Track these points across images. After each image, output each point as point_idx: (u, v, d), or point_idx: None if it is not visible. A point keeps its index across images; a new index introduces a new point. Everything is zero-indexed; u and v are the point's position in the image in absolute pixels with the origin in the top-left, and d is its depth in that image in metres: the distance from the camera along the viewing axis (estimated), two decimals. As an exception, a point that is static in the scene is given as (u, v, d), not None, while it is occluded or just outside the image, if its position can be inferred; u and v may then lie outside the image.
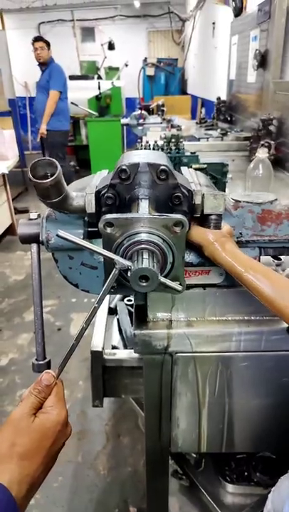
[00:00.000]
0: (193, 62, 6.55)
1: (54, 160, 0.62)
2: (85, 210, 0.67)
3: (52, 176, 0.62)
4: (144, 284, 0.51)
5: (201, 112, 5.63)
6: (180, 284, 0.61)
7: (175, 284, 0.59)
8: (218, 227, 0.70)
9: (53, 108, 4.48)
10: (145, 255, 0.52)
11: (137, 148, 1.38)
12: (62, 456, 1.82)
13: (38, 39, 4.49)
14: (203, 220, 0.70)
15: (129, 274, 0.52)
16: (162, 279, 0.54)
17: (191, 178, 0.77)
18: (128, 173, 0.59)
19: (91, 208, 0.65)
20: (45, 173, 0.64)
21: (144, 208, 0.56)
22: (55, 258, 0.81)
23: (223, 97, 3.66)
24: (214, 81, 4.66)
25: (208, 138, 2.61)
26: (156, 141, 1.46)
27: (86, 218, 0.72)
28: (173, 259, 0.58)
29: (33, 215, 0.80)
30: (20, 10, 5.77)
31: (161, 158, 0.63)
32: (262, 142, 2.22)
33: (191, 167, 1.47)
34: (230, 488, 1.34)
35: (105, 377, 1.04)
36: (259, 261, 0.80)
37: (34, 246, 0.80)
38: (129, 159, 0.62)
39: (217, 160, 1.61)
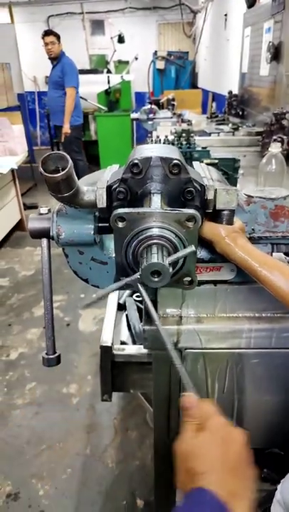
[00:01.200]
0: (204, 55, 6.46)
1: (65, 154, 0.62)
2: (96, 204, 0.67)
3: (63, 170, 0.62)
4: (156, 279, 0.51)
5: (212, 106, 5.56)
6: (192, 280, 0.61)
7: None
8: (230, 222, 0.69)
9: (73, 106, 4.48)
10: (156, 250, 0.52)
11: (148, 143, 1.37)
12: (71, 448, 1.86)
13: (48, 33, 4.45)
14: (216, 216, 0.69)
15: (139, 270, 0.51)
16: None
17: (203, 173, 0.76)
18: (140, 167, 0.58)
19: (102, 203, 0.65)
20: (56, 167, 0.63)
21: (156, 202, 0.55)
22: (66, 253, 0.81)
23: (235, 91, 3.61)
24: (226, 74, 4.60)
25: (219, 133, 2.58)
26: (166, 136, 1.44)
27: (97, 213, 0.72)
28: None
29: (43, 210, 0.80)
30: (29, 3, 5.74)
31: (173, 153, 0.62)
32: (274, 137, 2.19)
33: (202, 162, 1.46)
34: (238, 484, 1.33)
35: (114, 372, 1.04)
36: (271, 257, 0.79)
37: (44, 241, 0.80)
38: (142, 153, 0.61)
39: (228, 155, 1.59)
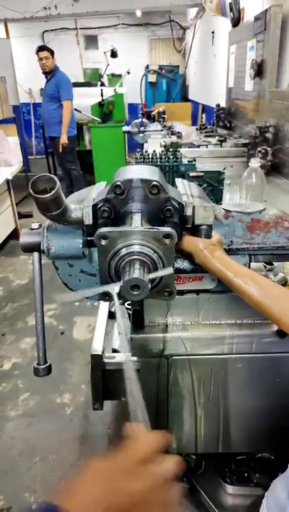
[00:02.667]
0: (194, 69, 6.62)
1: (53, 176, 0.67)
2: (83, 221, 0.72)
3: (51, 190, 0.67)
4: (136, 292, 0.55)
5: (202, 118, 5.69)
6: (170, 291, 0.65)
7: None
8: (208, 236, 0.74)
9: (70, 118, 4.62)
10: (136, 266, 0.56)
11: (136, 157, 1.43)
12: (65, 460, 1.87)
13: (42, 48, 4.58)
14: (195, 230, 0.74)
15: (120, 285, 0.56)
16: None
17: (183, 189, 0.82)
18: (122, 188, 0.64)
19: (88, 220, 0.70)
20: (45, 188, 0.68)
21: (136, 221, 0.60)
22: (56, 266, 0.86)
23: (223, 104, 3.72)
24: (214, 88, 4.72)
25: (207, 145, 2.66)
26: (154, 151, 1.50)
27: (85, 228, 0.77)
28: (163, 268, 0.62)
29: (34, 225, 0.85)
30: (24, 19, 5.86)
31: (154, 174, 0.67)
32: (259, 149, 2.27)
33: (188, 175, 1.52)
34: (230, 489, 1.36)
35: (105, 380, 1.08)
36: (249, 267, 0.84)
37: (36, 254, 0.85)
38: (124, 175, 0.66)
39: (214, 168, 1.65)
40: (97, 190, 0.80)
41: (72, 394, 2.19)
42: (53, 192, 0.65)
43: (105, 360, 1.04)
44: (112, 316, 1.52)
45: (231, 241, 0.82)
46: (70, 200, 0.81)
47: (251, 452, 1.32)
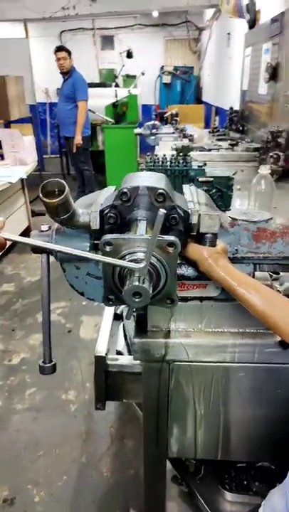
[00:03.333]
0: (208, 70, 6.60)
1: (62, 181, 0.69)
2: (90, 226, 0.73)
3: (60, 195, 0.68)
4: (138, 299, 0.56)
5: (215, 120, 5.67)
6: (172, 299, 0.66)
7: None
8: (213, 244, 0.75)
9: (85, 118, 4.68)
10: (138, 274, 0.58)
11: (146, 161, 1.45)
12: (68, 455, 1.90)
13: (60, 49, 4.64)
14: (200, 238, 0.75)
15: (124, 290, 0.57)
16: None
17: (190, 197, 0.82)
18: (128, 195, 0.65)
19: (95, 225, 0.71)
20: (54, 192, 0.70)
21: (141, 229, 0.62)
22: (63, 268, 0.87)
23: (236, 107, 3.70)
24: (228, 90, 4.70)
25: (218, 149, 2.65)
26: (164, 155, 1.51)
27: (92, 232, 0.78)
28: (166, 276, 0.63)
29: (44, 227, 0.86)
30: (43, 19, 5.93)
31: (160, 181, 0.69)
32: (271, 154, 2.26)
33: (198, 180, 1.53)
34: (228, 496, 1.36)
35: (108, 381, 1.09)
36: (253, 276, 0.84)
37: (44, 256, 0.87)
38: (131, 182, 0.67)
39: (224, 172, 1.65)
40: (106, 195, 0.81)
41: (77, 391, 2.22)
42: (62, 196, 0.67)
43: (108, 362, 1.05)
44: (117, 317, 1.54)
45: (236, 249, 0.82)
46: (79, 204, 0.83)
47: (248, 461, 1.32)
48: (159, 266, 0.60)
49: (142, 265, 0.55)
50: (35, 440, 1.94)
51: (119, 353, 1.35)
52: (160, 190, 0.64)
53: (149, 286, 0.57)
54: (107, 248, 0.61)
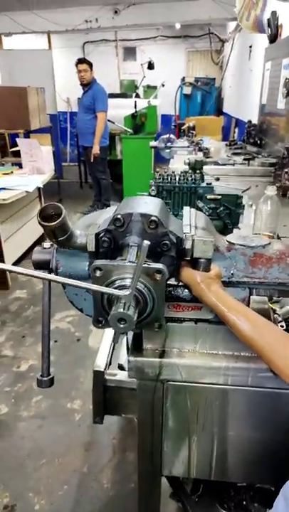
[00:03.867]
0: (229, 82, 6.62)
1: (60, 205, 0.71)
2: (86, 247, 0.76)
3: (58, 218, 0.71)
4: (122, 325, 0.58)
5: (234, 132, 5.67)
6: (160, 324, 0.68)
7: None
8: (207, 269, 0.76)
9: (103, 129, 4.79)
10: (123, 300, 0.59)
11: (155, 179, 1.47)
12: (70, 465, 1.91)
13: (81, 61, 4.76)
14: (194, 263, 0.76)
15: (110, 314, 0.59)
16: None
17: (188, 220, 0.84)
18: (122, 221, 0.67)
19: (92, 247, 0.74)
20: (52, 215, 0.73)
21: (132, 255, 0.63)
22: (63, 285, 0.90)
23: (255, 120, 3.70)
24: (248, 103, 4.70)
25: (233, 163, 2.65)
26: (173, 172, 1.53)
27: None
28: (153, 302, 0.64)
29: (46, 244, 0.90)
30: (66, 31, 6.11)
31: (155, 208, 0.70)
32: (286, 170, 2.25)
33: (206, 197, 1.54)
34: (226, 516, 1.34)
35: (106, 396, 1.11)
36: (249, 301, 0.85)
37: (46, 271, 0.90)
38: (126, 208, 0.69)
39: (235, 190, 1.66)
40: (105, 217, 0.84)
41: (83, 400, 2.24)
42: (58, 220, 0.70)
43: (107, 377, 1.07)
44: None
45: (232, 273, 0.83)
46: (79, 223, 0.86)
47: (244, 483, 1.30)
48: (146, 292, 0.62)
49: (126, 292, 0.57)
50: (39, 448, 1.96)
51: (120, 366, 1.37)
52: (152, 218, 0.66)
53: (134, 312, 0.59)
54: (97, 273, 0.63)
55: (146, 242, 0.55)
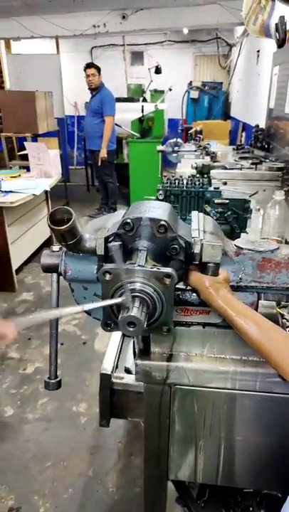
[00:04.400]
0: (237, 86, 6.62)
1: (70, 208, 0.72)
2: (96, 251, 0.76)
3: (68, 222, 0.72)
4: (131, 329, 0.58)
5: (241, 136, 5.67)
6: (169, 328, 0.68)
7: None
8: (215, 274, 0.76)
9: (110, 133, 4.84)
10: (135, 304, 0.60)
11: (163, 182, 1.48)
12: (75, 468, 1.91)
13: (89, 66, 4.81)
14: (202, 267, 0.76)
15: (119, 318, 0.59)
16: None
17: (196, 225, 0.84)
18: (131, 225, 0.67)
19: (101, 251, 0.74)
20: (62, 219, 0.74)
21: (141, 259, 0.64)
22: (72, 288, 0.91)
23: (262, 125, 3.69)
24: (255, 107, 4.70)
25: (240, 168, 2.65)
26: (181, 176, 1.54)
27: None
28: (162, 306, 0.65)
29: (55, 248, 0.90)
30: (74, 36, 6.17)
31: (164, 213, 0.71)
32: (293, 174, 2.24)
33: (214, 202, 1.54)
34: (233, 522, 1.33)
35: (113, 399, 1.11)
36: (257, 305, 0.85)
37: (54, 275, 0.91)
38: (135, 212, 0.70)
39: (242, 194, 1.66)
40: (114, 221, 0.84)
41: (88, 404, 2.24)
42: (68, 224, 0.70)
43: (114, 380, 1.07)
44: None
45: (240, 278, 0.83)
46: (87, 227, 0.86)
47: (250, 489, 1.29)
48: (156, 296, 0.62)
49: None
50: (45, 451, 1.96)
51: (127, 370, 1.37)
52: (162, 222, 0.67)
53: (144, 316, 0.59)
54: (107, 277, 0.63)
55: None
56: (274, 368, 0.68)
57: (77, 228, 0.74)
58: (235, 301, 0.73)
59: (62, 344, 2.73)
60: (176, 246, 0.68)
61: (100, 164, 4.94)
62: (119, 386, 1.09)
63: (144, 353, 0.90)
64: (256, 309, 0.84)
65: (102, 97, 4.81)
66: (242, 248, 0.84)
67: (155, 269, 0.62)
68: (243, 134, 5.51)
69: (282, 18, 3.19)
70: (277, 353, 0.67)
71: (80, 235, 0.75)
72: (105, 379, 1.08)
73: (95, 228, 0.84)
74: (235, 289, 0.82)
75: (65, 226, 0.70)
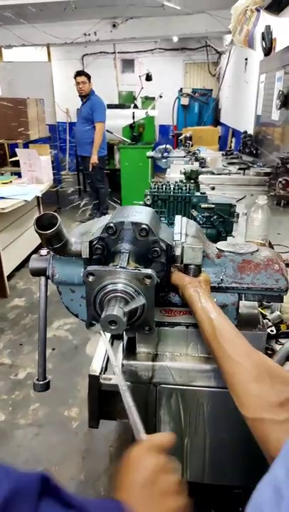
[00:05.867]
0: (226, 93, 6.73)
1: (56, 214, 0.75)
2: (81, 254, 0.79)
3: (53, 226, 0.75)
4: (113, 327, 0.61)
5: (231, 142, 5.75)
6: (150, 328, 0.71)
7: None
8: (196, 275, 0.79)
9: (101, 139, 4.88)
10: (115, 303, 0.62)
11: (150, 188, 1.51)
12: (66, 472, 1.91)
13: (80, 73, 4.87)
14: (184, 269, 0.79)
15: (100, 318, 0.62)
16: None
17: (179, 228, 0.87)
18: (114, 229, 0.70)
19: (86, 254, 0.77)
20: (49, 223, 0.76)
21: (123, 260, 0.67)
22: (59, 290, 0.93)
23: (250, 131, 3.77)
24: (244, 114, 4.79)
25: (228, 173, 2.71)
26: (168, 182, 1.57)
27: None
28: (143, 306, 0.67)
29: (43, 252, 0.93)
30: (65, 44, 6.24)
31: (146, 217, 0.74)
32: (280, 179, 2.30)
33: (200, 207, 1.58)
34: (222, 522, 1.35)
35: (102, 400, 1.13)
36: (238, 306, 0.88)
37: (42, 278, 0.93)
38: (118, 216, 0.73)
39: (226, 200, 1.70)
40: (100, 225, 0.87)
41: (80, 408, 2.25)
42: (54, 228, 0.73)
43: (102, 381, 1.09)
44: (118, 337, 1.57)
45: (222, 279, 0.86)
46: (74, 232, 0.89)
47: (247, 487, 1.32)
48: (136, 296, 0.65)
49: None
50: (36, 456, 1.97)
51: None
52: (143, 226, 0.70)
53: (124, 315, 0.62)
54: (90, 278, 0.66)
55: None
56: (218, 367, 0.69)
57: (63, 233, 0.77)
58: (206, 297, 0.75)
59: (53, 349, 2.74)
60: (157, 248, 0.71)
61: (91, 170, 4.98)
62: (107, 387, 1.11)
63: (129, 353, 0.93)
64: (237, 309, 0.87)
65: (92, 103, 4.87)
66: (223, 251, 0.88)
67: (136, 271, 0.65)
68: (233, 140, 5.60)
69: (268, 27, 3.28)
70: (222, 355, 0.66)
71: (66, 239, 0.77)
72: (94, 380, 1.10)
73: (81, 232, 0.87)
74: (217, 289, 0.85)
75: (50, 231, 0.72)
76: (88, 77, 4.83)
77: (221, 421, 0.95)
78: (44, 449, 2.00)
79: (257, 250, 0.89)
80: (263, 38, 3.44)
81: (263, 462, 1.00)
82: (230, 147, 5.14)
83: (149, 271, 0.65)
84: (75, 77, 4.82)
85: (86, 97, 4.89)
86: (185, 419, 0.95)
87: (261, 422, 0.58)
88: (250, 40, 3.02)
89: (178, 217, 0.96)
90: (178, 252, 0.76)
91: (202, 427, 0.95)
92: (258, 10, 2.81)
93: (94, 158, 4.86)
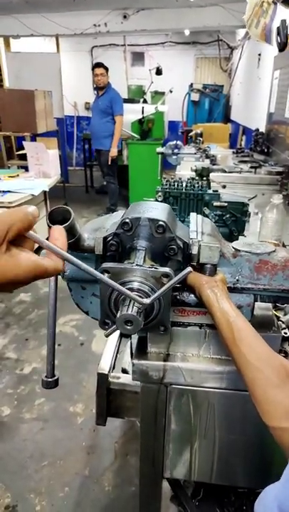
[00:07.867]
0: (238, 89, 6.65)
1: (69, 208, 0.73)
2: (94, 250, 0.77)
3: (67, 221, 0.72)
4: (129, 327, 0.59)
5: (241, 140, 5.69)
6: (166, 328, 0.69)
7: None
8: (212, 275, 0.77)
9: (120, 132, 4.90)
10: (129, 302, 0.60)
11: (162, 184, 1.49)
12: (71, 467, 1.92)
13: (99, 65, 4.86)
14: (200, 268, 0.77)
15: (117, 316, 0.60)
16: None
17: (194, 226, 0.85)
18: (130, 225, 0.68)
19: (99, 250, 0.75)
20: (61, 218, 0.74)
21: (139, 258, 0.65)
22: (70, 287, 0.91)
23: (262, 129, 3.71)
24: (256, 111, 4.72)
25: (240, 171, 2.66)
26: (180, 179, 1.55)
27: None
28: (159, 305, 0.65)
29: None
30: (74, 35, 6.16)
31: (162, 213, 0.72)
32: (292, 178, 2.26)
33: (212, 205, 1.55)
34: (226, 521, 1.34)
35: (110, 398, 1.12)
36: (253, 307, 0.85)
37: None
38: (134, 212, 0.71)
39: (241, 197, 1.67)
40: (113, 221, 0.85)
41: (85, 404, 2.24)
42: (67, 223, 0.71)
43: (110, 380, 1.08)
44: (126, 335, 1.56)
45: (237, 280, 0.84)
46: (86, 227, 0.87)
47: (248, 487, 1.30)
48: (152, 295, 0.62)
49: (148, 301, 0.58)
50: (41, 450, 1.97)
51: (124, 370, 1.37)
52: (160, 222, 0.68)
53: (141, 315, 0.60)
54: (105, 275, 0.64)
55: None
56: (238, 371, 0.67)
57: (76, 228, 0.75)
58: (222, 299, 0.72)
59: (59, 345, 2.74)
60: (174, 246, 0.69)
61: (110, 163, 4.96)
62: (115, 386, 1.10)
63: (141, 352, 0.91)
64: (252, 310, 0.85)
65: (111, 96, 4.87)
66: (239, 250, 0.85)
67: (153, 269, 0.62)
68: (243, 137, 5.54)
69: (283, 21, 3.20)
70: (246, 355, 0.64)
71: (79, 235, 0.75)
72: (102, 378, 1.08)
73: (94, 228, 0.85)
74: (232, 290, 0.83)
75: (64, 225, 0.70)
76: (106, 69, 4.84)
77: (232, 423, 0.93)
78: (49, 444, 2.00)
79: (274, 251, 0.86)
80: (278, 33, 3.36)
81: (272, 465, 0.98)
82: (241, 145, 5.08)
83: (166, 269, 0.63)
84: (93, 69, 4.86)
85: (103, 89, 4.88)
86: (195, 420, 0.93)
87: (283, 431, 0.56)
88: (267, 33, 2.95)
89: (193, 215, 0.94)
90: (194, 250, 0.74)
91: (212, 428, 0.93)
92: (274, 3, 2.74)
93: (114, 152, 4.86)
